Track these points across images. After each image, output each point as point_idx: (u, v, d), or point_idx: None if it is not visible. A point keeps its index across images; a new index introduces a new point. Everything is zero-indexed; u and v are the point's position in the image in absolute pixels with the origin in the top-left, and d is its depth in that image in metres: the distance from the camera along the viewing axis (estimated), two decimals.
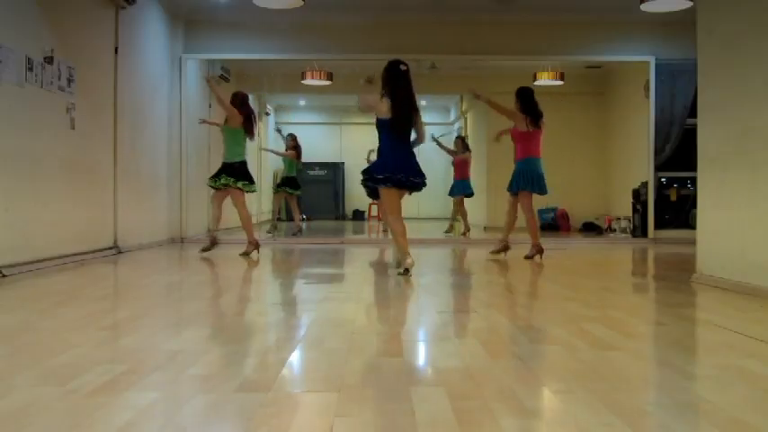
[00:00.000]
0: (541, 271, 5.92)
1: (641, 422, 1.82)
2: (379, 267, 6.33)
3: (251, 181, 6.97)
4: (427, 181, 5.36)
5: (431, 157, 16.34)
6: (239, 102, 7.00)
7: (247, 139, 7.00)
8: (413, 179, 5.21)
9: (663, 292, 4.76)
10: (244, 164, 6.93)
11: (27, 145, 5.45)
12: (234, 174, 6.82)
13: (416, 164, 5.28)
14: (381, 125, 5.27)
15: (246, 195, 7.03)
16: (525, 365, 2.44)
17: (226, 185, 6.80)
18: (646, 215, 9.48)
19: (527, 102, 6.62)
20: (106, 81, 7.00)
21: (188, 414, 1.86)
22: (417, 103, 5.34)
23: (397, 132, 5.22)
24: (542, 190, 6.63)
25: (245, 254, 6.84)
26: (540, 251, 6.64)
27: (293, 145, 10.59)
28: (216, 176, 6.88)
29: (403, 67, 5.29)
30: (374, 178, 5.23)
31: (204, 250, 6.98)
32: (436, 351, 2.77)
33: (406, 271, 5.10)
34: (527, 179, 6.58)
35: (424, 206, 16.91)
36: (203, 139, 10.32)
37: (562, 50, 9.55)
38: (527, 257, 6.63)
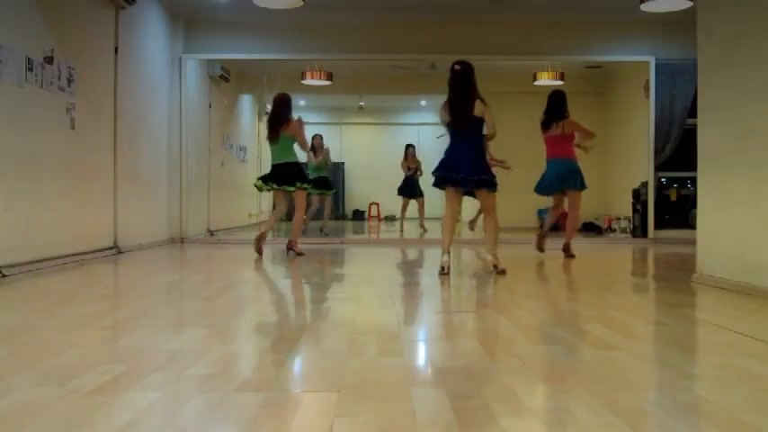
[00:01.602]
0: (541, 271, 5.92)
1: (641, 422, 1.82)
2: (381, 268, 6.33)
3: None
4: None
5: (431, 158, 16.41)
6: None
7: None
8: (468, 177, 5.11)
9: (663, 292, 4.76)
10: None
11: (27, 145, 5.45)
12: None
13: (476, 162, 5.16)
14: (448, 130, 5.36)
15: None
16: (525, 365, 2.44)
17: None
18: (646, 215, 9.48)
19: (547, 105, 6.85)
20: (106, 81, 7.00)
21: (188, 414, 1.86)
22: (478, 99, 5.21)
23: (456, 132, 5.26)
24: (539, 189, 6.88)
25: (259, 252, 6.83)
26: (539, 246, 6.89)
27: (321, 144, 10.57)
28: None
29: (456, 67, 5.29)
30: (437, 177, 5.28)
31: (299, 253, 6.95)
32: (436, 351, 2.77)
33: (442, 269, 5.13)
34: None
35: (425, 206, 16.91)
36: (203, 139, 10.33)
37: (562, 50, 9.54)
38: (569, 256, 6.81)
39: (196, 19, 9.15)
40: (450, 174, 5.15)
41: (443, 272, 5.12)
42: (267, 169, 7.05)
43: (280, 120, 6.81)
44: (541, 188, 6.87)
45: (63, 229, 6.00)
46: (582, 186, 6.79)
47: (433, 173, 5.32)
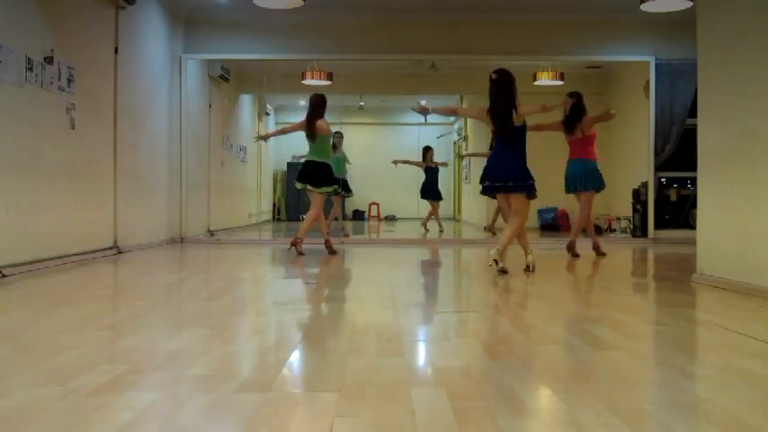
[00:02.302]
0: (541, 271, 5.91)
1: (641, 422, 1.82)
2: (381, 268, 6.33)
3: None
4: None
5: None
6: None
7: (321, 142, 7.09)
8: (508, 183, 5.35)
9: (663, 292, 4.76)
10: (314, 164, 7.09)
11: (27, 145, 5.45)
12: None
13: (515, 167, 5.36)
14: (493, 134, 5.64)
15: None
16: (525, 365, 2.44)
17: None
18: (646, 215, 9.47)
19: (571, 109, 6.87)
20: (106, 81, 7.00)
21: (188, 414, 1.86)
22: (515, 104, 5.37)
23: (500, 139, 5.49)
24: (565, 189, 7.04)
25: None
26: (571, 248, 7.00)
27: (341, 142, 10.55)
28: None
29: (493, 76, 5.46)
30: (484, 186, 5.62)
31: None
32: (436, 351, 2.77)
33: (527, 267, 5.45)
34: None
35: (424, 206, 16.91)
36: (203, 139, 10.33)
37: (562, 50, 9.54)
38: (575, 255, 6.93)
39: (196, 19, 9.15)
40: (495, 182, 5.43)
41: (529, 270, 5.43)
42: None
43: (314, 120, 7.01)
44: (567, 188, 7.02)
45: (63, 229, 6.00)
46: (595, 186, 6.86)
47: (480, 182, 5.66)
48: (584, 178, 6.82)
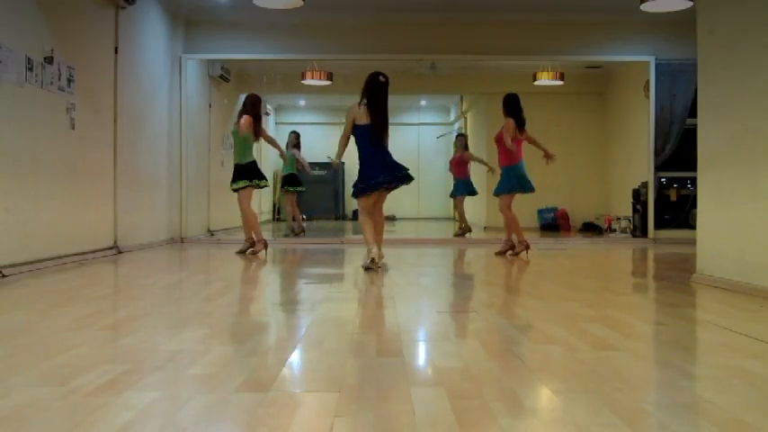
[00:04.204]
0: (541, 271, 5.92)
1: (641, 422, 1.82)
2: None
3: (262, 177, 7.21)
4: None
5: (431, 158, 16.39)
6: (248, 105, 7.07)
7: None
8: (398, 174, 5.52)
9: (663, 292, 4.76)
10: (254, 163, 7.13)
11: (27, 145, 5.45)
12: (248, 174, 7.01)
13: (395, 160, 5.60)
14: (359, 132, 5.55)
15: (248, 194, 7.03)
16: (525, 365, 2.44)
17: (245, 186, 6.99)
18: (646, 215, 9.48)
19: (513, 108, 6.81)
20: (106, 81, 7.00)
21: (188, 414, 1.86)
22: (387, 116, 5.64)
23: (375, 138, 5.50)
24: (527, 189, 6.86)
25: (255, 252, 6.89)
26: (512, 248, 6.91)
27: (297, 143, 10.58)
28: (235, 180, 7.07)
29: (382, 79, 5.54)
30: (369, 185, 5.54)
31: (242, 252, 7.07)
32: (436, 351, 2.77)
33: (372, 261, 5.42)
34: (516, 182, 6.85)
35: (424, 206, 16.93)
36: (203, 139, 10.33)
37: (562, 50, 9.55)
38: (498, 253, 6.93)
39: (196, 19, 9.15)
40: (388, 177, 5.50)
41: (373, 265, 5.44)
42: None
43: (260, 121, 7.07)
44: (521, 188, 6.86)
45: (63, 229, 6.00)
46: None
47: (366, 181, 5.56)
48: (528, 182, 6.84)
